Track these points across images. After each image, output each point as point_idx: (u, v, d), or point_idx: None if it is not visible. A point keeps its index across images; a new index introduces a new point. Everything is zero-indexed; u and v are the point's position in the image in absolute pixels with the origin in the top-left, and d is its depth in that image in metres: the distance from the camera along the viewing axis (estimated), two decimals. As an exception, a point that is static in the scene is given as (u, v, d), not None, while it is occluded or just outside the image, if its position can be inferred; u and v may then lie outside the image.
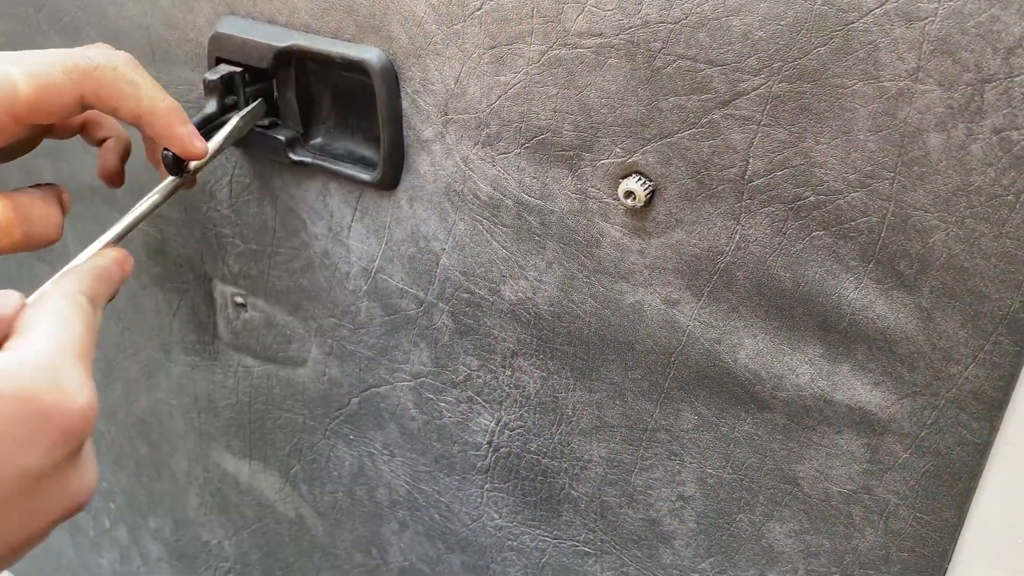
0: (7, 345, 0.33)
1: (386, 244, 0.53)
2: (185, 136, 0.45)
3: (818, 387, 0.41)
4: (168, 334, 0.69)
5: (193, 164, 0.47)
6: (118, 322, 0.72)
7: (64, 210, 0.44)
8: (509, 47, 0.42)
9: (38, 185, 0.44)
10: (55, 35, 0.60)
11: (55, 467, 0.33)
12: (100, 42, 0.46)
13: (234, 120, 0.50)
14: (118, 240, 0.44)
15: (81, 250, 0.43)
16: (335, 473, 0.64)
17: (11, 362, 0.32)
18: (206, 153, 0.46)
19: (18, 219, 0.41)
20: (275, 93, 0.52)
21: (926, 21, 0.32)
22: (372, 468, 0.62)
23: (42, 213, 0.41)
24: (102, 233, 0.44)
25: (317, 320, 0.59)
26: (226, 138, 0.49)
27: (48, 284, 0.39)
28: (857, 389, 0.40)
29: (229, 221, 0.59)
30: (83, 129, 0.49)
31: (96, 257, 0.42)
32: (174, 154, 0.45)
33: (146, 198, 0.46)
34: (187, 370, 0.69)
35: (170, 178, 0.47)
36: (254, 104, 0.52)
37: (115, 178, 0.51)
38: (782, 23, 0.35)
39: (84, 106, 0.42)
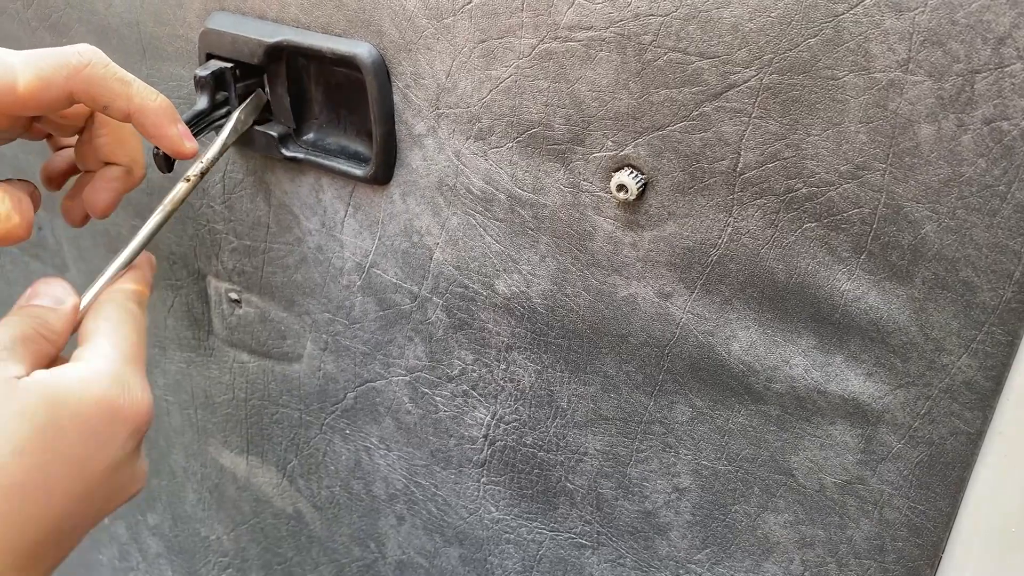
0: (76, 355, 0.40)
1: (379, 239, 0.53)
2: (175, 136, 0.45)
3: (812, 378, 0.41)
4: (163, 331, 0.69)
5: (196, 169, 0.47)
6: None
7: (35, 206, 0.45)
8: (499, 41, 0.42)
9: (7, 180, 0.44)
10: (44, 32, 0.60)
11: (127, 458, 0.40)
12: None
13: (235, 115, 0.50)
14: (145, 244, 0.46)
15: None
16: (332, 468, 0.64)
17: (88, 371, 0.38)
18: (195, 153, 0.46)
19: None
20: (266, 88, 0.52)
21: (916, 12, 0.32)
22: (369, 462, 0.62)
23: (4, 210, 0.41)
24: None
25: (312, 315, 0.59)
26: (230, 134, 0.49)
27: (96, 287, 0.44)
28: (850, 380, 0.40)
29: (222, 217, 0.59)
30: (84, 131, 0.48)
31: (135, 264, 0.46)
32: (164, 153, 0.45)
33: (159, 209, 0.47)
34: (183, 367, 0.69)
35: (183, 183, 0.47)
36: (251, 97, 0.51)
37: (105, 210, 0.49)
38: (772, 15, 0.35)
39: (73, 101, 0.42)
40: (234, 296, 0.62)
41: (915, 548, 0.42)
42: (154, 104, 0.43)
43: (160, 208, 0.46)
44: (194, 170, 0.48)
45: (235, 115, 0.50)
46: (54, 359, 0.40)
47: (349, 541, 0.66)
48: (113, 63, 0.42)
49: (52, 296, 0.41)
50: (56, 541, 0.37)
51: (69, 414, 0.37)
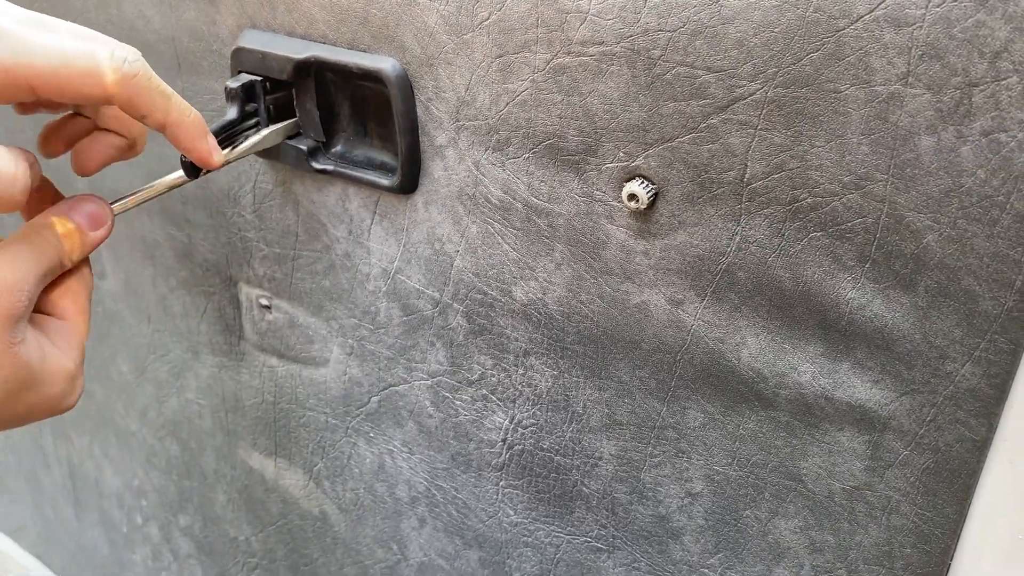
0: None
1: (404, 246, 0.54)
2: (206, 150, 0.46)
3: (819, 385, 0.42)
4: (196, 336, 0.71)
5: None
6: (148, 324, 0.75)
7: (33, 178, 0.45)
8: (516, 56, 0.44)
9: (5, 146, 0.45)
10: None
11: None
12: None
13: (267, 130, 0.52)
14: (117, 204, 0.46)
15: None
16: (356, 470, 0.66)
17: None
18: (222, 164, 0.48)
19: None
20: (295, 102, 0.54)
21: (914, 27, 0.33)
22: (392, 465, 0.63)
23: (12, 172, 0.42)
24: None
25: (338, 320, 0.61)
26: (256, 144, 0.51)
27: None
28: (857, 387, 0.41)
29: (254, 226, 0.61)
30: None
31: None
32: (191, 161, 0.47)
33: (154, 183, 0.48)
34: (215, 371, 0.72)
35: (179, 174, 0.48)
36: (289, 121, 0.53)
37: (93, 171, 0.49)
38: (775, 30, 0.36)
39: (107, 102, 0.43)
40: (264, 302, 0.65)
41: (923, 554, 0.43)
42: (189, 119, 0.45)
43: (150, 185, 0.47)
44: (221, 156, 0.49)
45: (267, 130, 0.52)
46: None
47: (373, 543, 0.68)
48: (155, 75, 0.44)
49: (87, 214, 0.42)
50: None
51: None
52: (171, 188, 0.49)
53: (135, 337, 0.76)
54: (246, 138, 0.51)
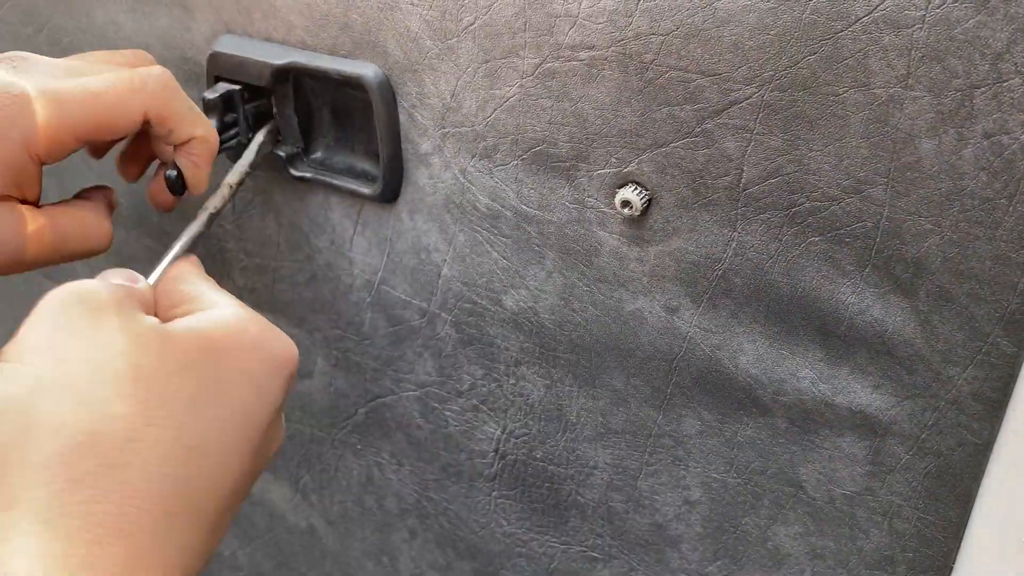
0: (198, 313, 0.37)
1: (388, 256, 0.53)
2: (209, 170, 0.46)
3: (819, 391, 0.41)
4: (176, 348, 0.69)
5: (233, 180, 0.49)
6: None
7: (111, 210, 0.46)
8: (503, 61, 0.43)
9: (86, 190, 0.45)
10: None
11: (281, 407, 0.37)
12: (142, 53, 0.47)
13: (254, 145, 0.51)
14: (189, 247, 0.46)
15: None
16: (344, 483, 0.65)
17: (232, 316, 0.36)
18: (203, 191, 0.47)
19: (51, 229, 0.41)
20: (274, 109, 0.53)
21: (914, 28, 0.33)
22: (380, 477, 0.62)
23: (77, 222, 0.42)
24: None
25: (322, 332, 0.59)
26: (246, 165, 0.50)
27: (156, 274, 0.42)
28: (857, 392, 0.40)
29: (233, 236, 0.60)
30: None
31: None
32: (179, 174, 0.46)
33: (196, 217, 0.47)
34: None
35: (227, 188, 0.48)
36: (271, 122, 0.52)
37: (139, 169, 0.50)
38: (771, 33, 0.35)
39: (145, 124, 0.43)
40: (245, 314, 0.63)
41: (925, 559, 0.42)
42: (212, 137, 0.45)
43: (195, 218, 0.47)
44: (232, 177, 0.49)
45: (258, 137, 0.51)
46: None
47: (362, 556, 0.67)
48: (180, 89, 0.43)
49: (124, 276, 0.38)
50: (236, 501, 0.35)
51: (232, 365, 0.34)
52: (214, 219, 0.48)
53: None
54: (228, 152, 0.50)
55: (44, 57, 0.43)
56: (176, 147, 0.45)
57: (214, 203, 0.48)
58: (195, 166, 0.46)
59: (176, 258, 0.44)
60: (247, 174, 0.50)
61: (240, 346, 0.35)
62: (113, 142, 0.49)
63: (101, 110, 0.41)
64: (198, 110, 0.45)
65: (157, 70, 0.43)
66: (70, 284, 0.34)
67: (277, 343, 0.37)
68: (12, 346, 0.32)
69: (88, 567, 0.28)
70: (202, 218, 0.47)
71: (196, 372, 0.33)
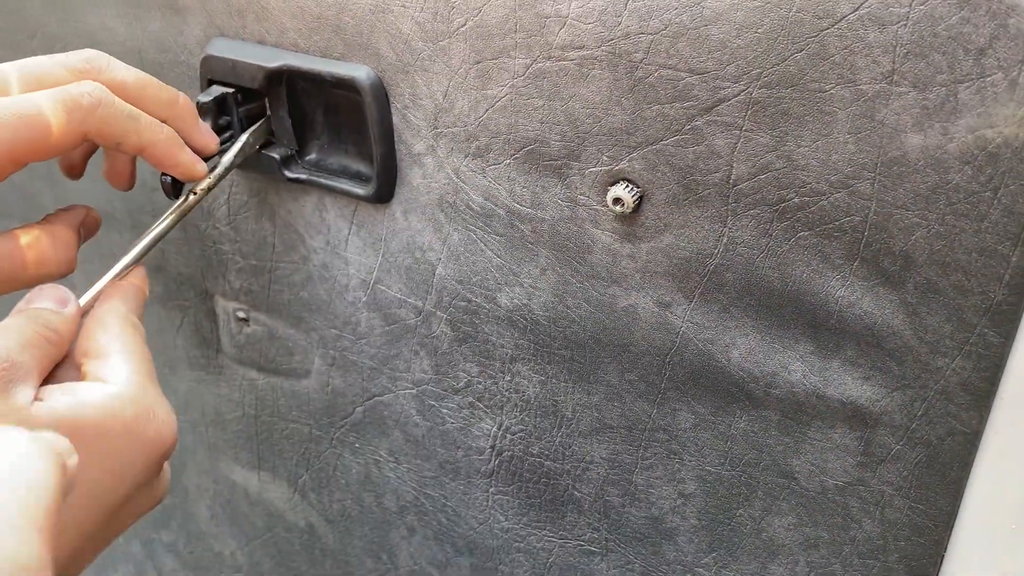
0: (91, 373, 0.38)
1: (383, 256, 0.54)
2: (187, 164, 0.45)
3: (810, 383, 0.42)
4: (172, 350, 0.70)
5: (203, 184, 0.48)
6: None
7: (81, 237, 0.46)
8: (494, 61, 0.43)
9: (57, 212, 0.45)
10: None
11: (149, 481, 0.39)
12: (87, 48, 0.46)
13: (244, 137, 0.51)
14: (139, 260, 0.46)
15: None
16: (343, 481, 0.65)
17: (111, 398, 0.37)
18: (205, 175, 0.47)
19: (6, 258, 0.41)
20: (268, 112, 0.53)
21: (898, 25, 0.33)
22: (379, 475, 0.63)
23: (36, 250, 0.42)
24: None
25: (318, 332, 0.60)
26: (237, 155, 0.50)
27: (93, 292, 0.43)
28: (848, 384, 0.41)
29: (228, 238, 0.60)
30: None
31: (131, 277, 0.45)
32: (173, 179, 0.46)
33: (162, 218, 0.47)
34: (193, 385, 0.70)
35: (190, 195, 0.48)
36: (260, 122, 0.53)
37: (124, 179, 0.50)
38: (759, 31, 0.36)
39: (85, 141, 0.42)
40: (242, 315, 0.63)
41: (917, 547, 0.43)
42: (163, 137, 0.44)
43: (162, 220, 0.47)
44: (200, 184, 0.48)
45: (243, 137, 0.51)
46: (58, 363, 0.39)
47: (362, 553, 0.67)
48: (117, 99, 0.42)
49: (54, 298, 0.40)
50: (74, 564, 0.37)
51: (95, 448, 0.35)
52: (182, 216, 0.48)
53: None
54: (223, 153, 0.50)
55: None
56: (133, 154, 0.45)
57: (176, 210, 0.48)
58: (167, 167, 0.46)
59: (124, 271, 0.44)
60: (221, 177, 0.49)
61: (108, 431, 0.36)
62: (85, 159, 0.49)
63: (34, 134, 0.40)
64: (141, 117, 0.44)
65: (88, 87, 0.42)
66: None
67: (150, 427, 0.38)
68: None
69: None
70: (155, 231, 0.46)
71: (54, 460, 0.33)
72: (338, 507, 0.67)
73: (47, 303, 0.39)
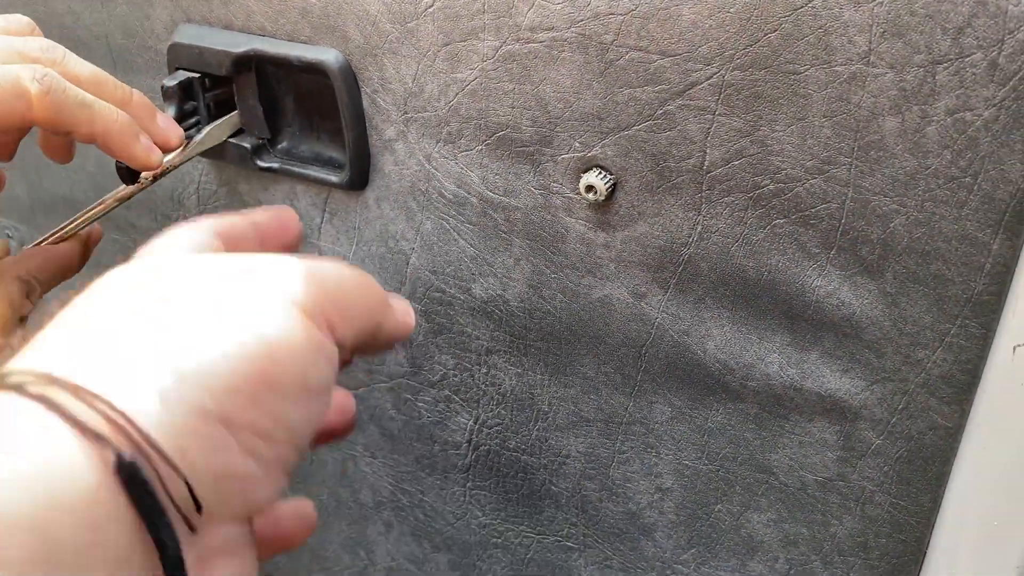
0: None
1: (356, 245, 0.52)
2: (141, 151, 0.44)
3: (787, 376, 0.41)
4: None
5: (152, 172, 0.46)
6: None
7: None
8: (463, 43, 0.42)
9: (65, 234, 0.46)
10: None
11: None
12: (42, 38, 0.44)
13: (206, 130, 0.50)
14: (68, 233, 0.46)
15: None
16: (319, 476, 0.64)
17: None
18: (161, 164, 0.45)
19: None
20: (236, 98, 0.52)
21: (874, 3, 0.32)
22: (355, 470, 0.61)
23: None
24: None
25: (293, 324, 0.58)
26: (195, 146, 0.49)
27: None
28: (826, 377, 0.40)
29: (200, 228, 0.59)
30: None
31: (54, 245, 0.45)
32: (127, 165, 0.45)
33: (106, 197, 0.46)
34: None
35: (125, 186, 0.46)
36: (227, 116, 0.51)
37: (61, 153, 0.49)
38: (731, 11, 0.34)
39: (33, 125, 0.41)
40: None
41: (899, 544, 0.42)
42: (116, 125, 0.42)
43: (100, 201, 0.46)
44: (146, 172, 0.47)
45: (206, 130, 0.50)
46: None
47: (339, 549, 0.66)
48: (70, 85, 0.41)
49: None
50: None
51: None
52: (120, 202, 0.47)
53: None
54: (188, 139, 0.49)
55: None
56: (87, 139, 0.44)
57: (114, 195, 0.47)
58: (121, 156, 0.44)
59: (48, 238, 0.45)
60: (168, 169, 0.47)
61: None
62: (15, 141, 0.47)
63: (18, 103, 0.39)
64: (92, 102, 0.42)
65: (38, 69, 0.40)
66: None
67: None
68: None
69: None
70: (93, 211, 0.46)
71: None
72: (315, 503, 0.66)
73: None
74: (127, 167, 0.45)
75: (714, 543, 0.48)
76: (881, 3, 0.32)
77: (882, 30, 0.32)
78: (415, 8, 0.42)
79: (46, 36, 0.58)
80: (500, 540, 0.57)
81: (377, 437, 0.59)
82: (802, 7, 0.33)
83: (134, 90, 0.44)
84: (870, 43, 0.32)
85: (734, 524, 0.46)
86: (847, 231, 0.36)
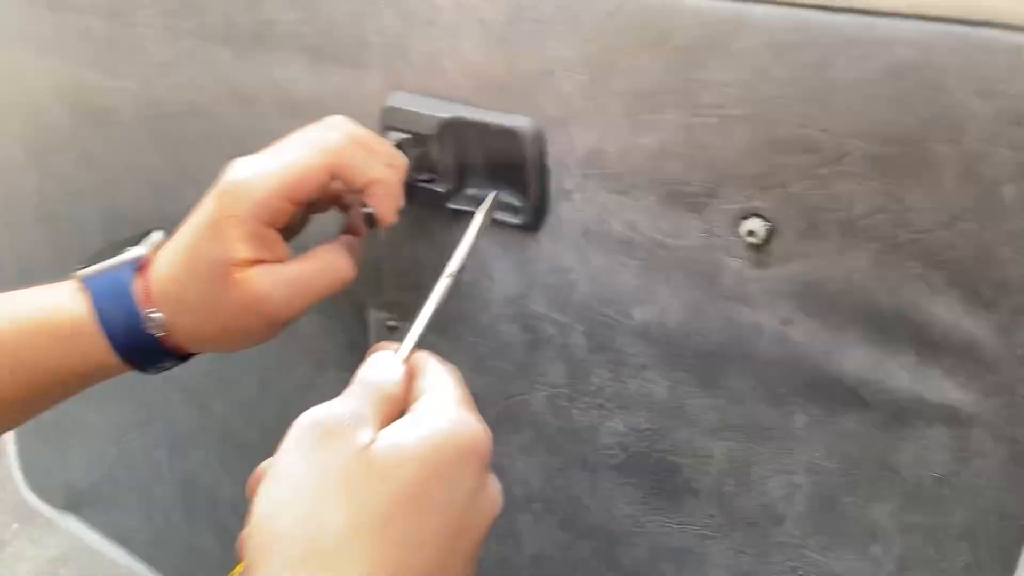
0: (411, 425, 0.45)
1: (528, 275, 0.62)
2: (396, 208, 0.56)
3: (913, 389, 0.50)
4: (323, 354, 0.79)
5: (454, 266, 0.57)
6: (276, 343, 0.83)
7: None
8: (646, 117, 0.52)
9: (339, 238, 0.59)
10: (235, 107, 0.71)
11: (478, 487, 0.45)
12: (340, 116, 0.57)
13: (479, 217, 0.59)
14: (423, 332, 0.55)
15: None
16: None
17: (434, 433, 0.44)
18: (392, 223, 0.57)
19: (297, 278, 0.56)
20: (433, 151, 0.62)
21: (999, 98, 0.41)
22: (510, 467, 0.71)
23: (318, 267, 0.57)
24: None
25: (462, 340, 0.69)
26: (478, 233, 0.58)
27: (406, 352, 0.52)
28: (946, 390, 0.49)
29: (387, 258, 0.69)
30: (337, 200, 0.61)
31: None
32: (370, 214, 0.56)
33: (431, 298, 0.56)
34: (340, 386, 0.79)
35: (446, 279, 0.56)
36: (491, 199, 0.61)
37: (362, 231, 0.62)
38: (879, 101, 0.44)
39: (332, 179, 0.53)
40: (392, 323, 0.73)
41: (1003, 532, 0.51)
42: (383, 178, 0.54)
43: (429, 303, 0.56)
44: (451, 268, 0.56)
45: (479, 217, 0.59)
46: (399, 415, 0.46)
47: (490, 537, 0.76)
48: (357, 143, 0.54)
49: (383, 361, 0.49)
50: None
51: (427, 473, 0.42)
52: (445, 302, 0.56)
53: (262, 356, 0.84)
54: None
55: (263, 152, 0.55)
56: (359, 191, 0.55)
57: (452, 266, 0.56)
58: (377, 204, 0.56)
59: (423, 327, 0.54)
60: (477, 237, 0.58)
61: (436, 459, 0.43)
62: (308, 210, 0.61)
63: (298, 174, 0.53)
64: (374, 160, 0.55)
65: (339, 126, 0.55)
66: (310, 411, 0.45)
67: (462, 436, 0.45)
68: (271, 465, 0.44)
69: None
70: (443, 284, 0.56)
71: (394, 485, 0.41)
72: (469, 496, 0.76)
73: (380, 374, 0.48)
74: (370, 217, 0.56)
75: (839, 531, 0.57)
76: (1004, 99, 0.41)
77: (1006, 119, 0.41)
78: (605, 89, 0.53)
79: (268, 96, 0.69)
80: (642, 529, 0.66)
81: (533, 439, 0.69)
82: (940, 99, 0.42)
83: (399, 152, 0.56)
84: (995, 129, 0.42)
85: (858, 514, 0.55)
86: (970, 273, 0.45)
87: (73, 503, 1.19)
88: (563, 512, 0.70)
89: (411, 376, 0.50)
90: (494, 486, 0.48)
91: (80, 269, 0.56)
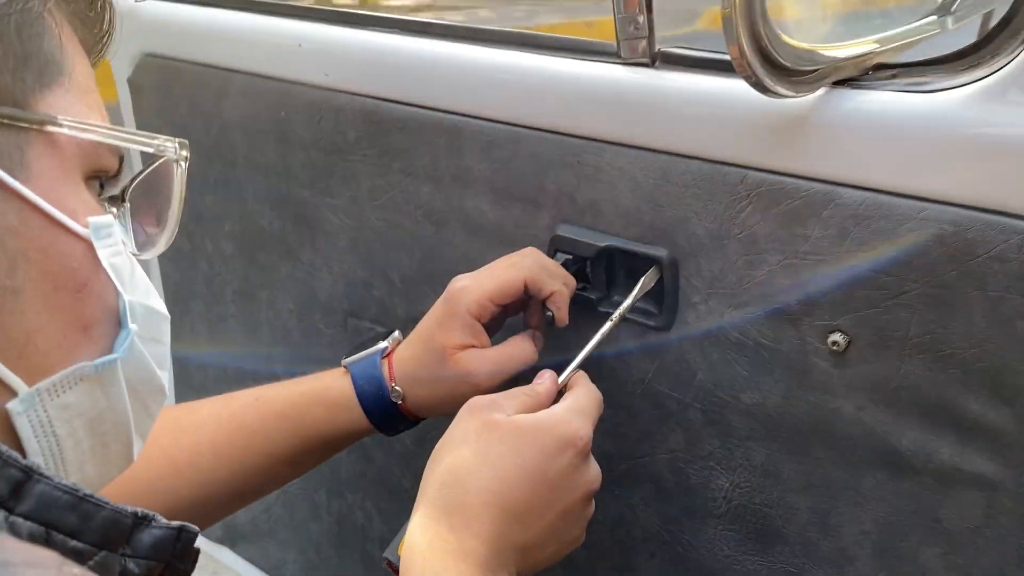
0: (541, 411, 0.69)
1: (656, 363, 0.82)
2: (564, 313, 0.77)
3: (953, 461, 0.68)
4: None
5: (621, 311, 0.79)
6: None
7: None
8: (758, 256, 0.72)
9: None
10: (428, 225, 0.94)
11: (570, 468, 0.65)
12: (531, 247, 0.80)
13: (627, 303, 0.80)
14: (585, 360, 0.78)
15: None
16: (599, 516, 0.93)
17: (546, 417, 0.67)
18: (567, 322, 0.78)
19: (494, 361, 0.76)
20: (588, 269, 0.83)
21: (1013, 263, 0.61)
22: (631, 515, 0.90)
23: (508, 354, 0.77)
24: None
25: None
26: (624, 308, 0.80)
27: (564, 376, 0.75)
28: (978, 463, 0.67)
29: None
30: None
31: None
32: (551, 315, 0.77)
33: (595, 336, 0.79)
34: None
35: (609, 322, 0.79)
36: (638, 291, 0.80)
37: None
38: (927, 257, 0.64)
39: (524, 290, 0.75)
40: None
41: (1022, 571, 0.68)
42: (561, 289, 0.76)
43: (594, 340, 0.78)
44: (615, 314, 0.79)
45: (627, 303, 0.80)
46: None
47: (609, 570, 0.94)
48: (542, 269, 0.75)
49: (547, 377, 0.73)
50: (539, 538, 0.65)
51: (531, 441, 0.63)
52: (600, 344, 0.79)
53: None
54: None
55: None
56: (543, 299, 0.77)
57: (617, 314, 0.79)
58: (556, 309, 0.77)
59: (583, 359, 0.76)
60: (631, 307, 0.79)
61: (540, 437, 0.65)
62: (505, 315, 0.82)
63: (502, 284, 0.76)
64: (553, 281, 0.77)
65: (530, 255, 0.77)
66: (473, 400, 0.68)
67: (564, 428, 0.66)
68: (446, 435, 0.66)
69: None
70: (605, 328, 0.78)
71: (513, 446, 0.64)
72: (595, 538, 0.94)
73: (537, 382, 0.72)
74: (552, 316, 0.77)
75: (896, 569, 0.74)
76: (1016, 263, 0.61)
77: (1016, 276, 0.61)
78: (729, 233, 0.73)
79: (454, 220, 0.91)
80: (739, 568, 0.84)
81: (652, 492, 0.88)
82: (969, 261, 0.62)
83: (568, 274, 0.77)
84: (1009, 283, 0.61)
85: (912, 554, 0.73)
86: (995, 378, 0.64)
87: (230, 537, 1.39)
88: (673, 553, 0.88)
89: (568, 389, 0.73)
90: (592, 468, 0.68)
91: (346, 358, 0.78)
